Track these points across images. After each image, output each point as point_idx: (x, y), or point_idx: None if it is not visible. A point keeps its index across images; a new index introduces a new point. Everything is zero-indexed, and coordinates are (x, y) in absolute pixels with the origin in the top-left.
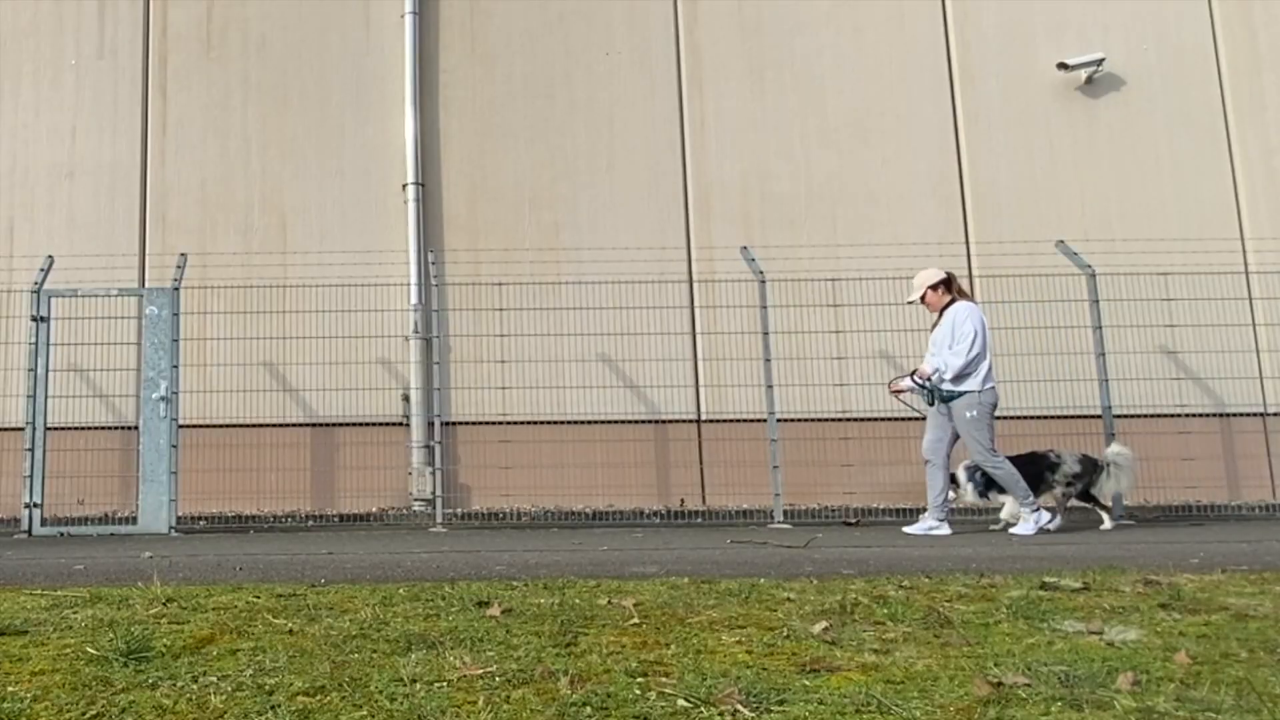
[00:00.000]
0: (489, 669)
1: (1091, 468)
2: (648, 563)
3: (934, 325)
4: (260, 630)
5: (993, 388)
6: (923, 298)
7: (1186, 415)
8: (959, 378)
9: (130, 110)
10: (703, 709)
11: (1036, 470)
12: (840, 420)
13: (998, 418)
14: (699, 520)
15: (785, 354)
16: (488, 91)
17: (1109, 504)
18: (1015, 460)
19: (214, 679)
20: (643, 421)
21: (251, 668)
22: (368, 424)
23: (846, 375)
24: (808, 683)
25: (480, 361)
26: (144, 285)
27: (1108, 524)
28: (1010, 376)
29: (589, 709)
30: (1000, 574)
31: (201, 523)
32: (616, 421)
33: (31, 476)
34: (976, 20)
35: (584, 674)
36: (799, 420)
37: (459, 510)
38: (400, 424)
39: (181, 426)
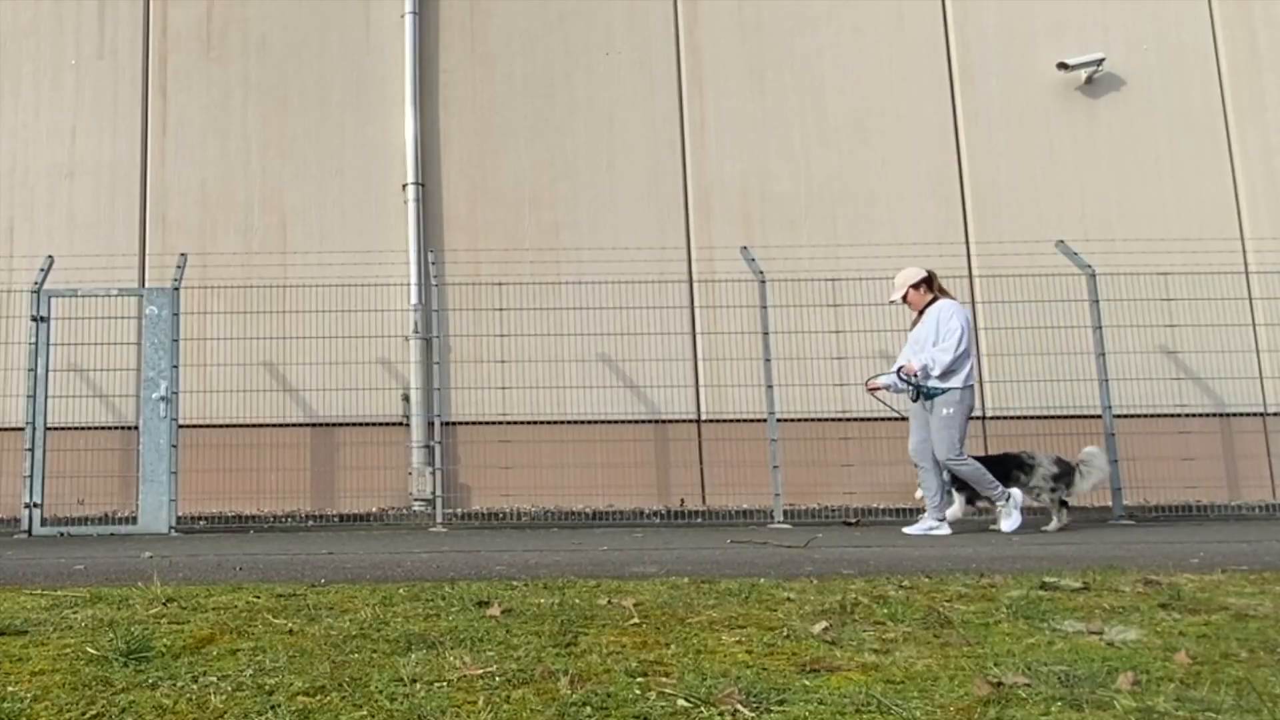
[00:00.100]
0: (489, 669)
1: (1067, 469)
2: (648, 563)
3: (913, 324)
4: (260, 630)
5: (972, 388)
6: (904, 297)
7: (1186, 415)
8: (945, 374)
9: (130, 110)
10: (703, 709)
11: (1005, 470)
12: (840, 420)
13: (999, 417)
14: (699, 520)
15: (785, 354)
16: (488, 91)
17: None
18: (987, 460)
19: (214, 679)
20: (643, 421)
21: (251, 668)
22: (368, 424)
23: (846, 375)
24: (808, 683)
25: (480, 361)
26: (144, 285)
27: (1053, 525)
28: (1010, 376)
29: (589, 709)
30: (1000, 574)
31: (201, 523)
32: (616, 421)
33: (31, 476)
34: (976, 20)
35: (584, 674)
36: (799, 420)
37: (459, 510)
38: (400, 424)
39: (181, 426)
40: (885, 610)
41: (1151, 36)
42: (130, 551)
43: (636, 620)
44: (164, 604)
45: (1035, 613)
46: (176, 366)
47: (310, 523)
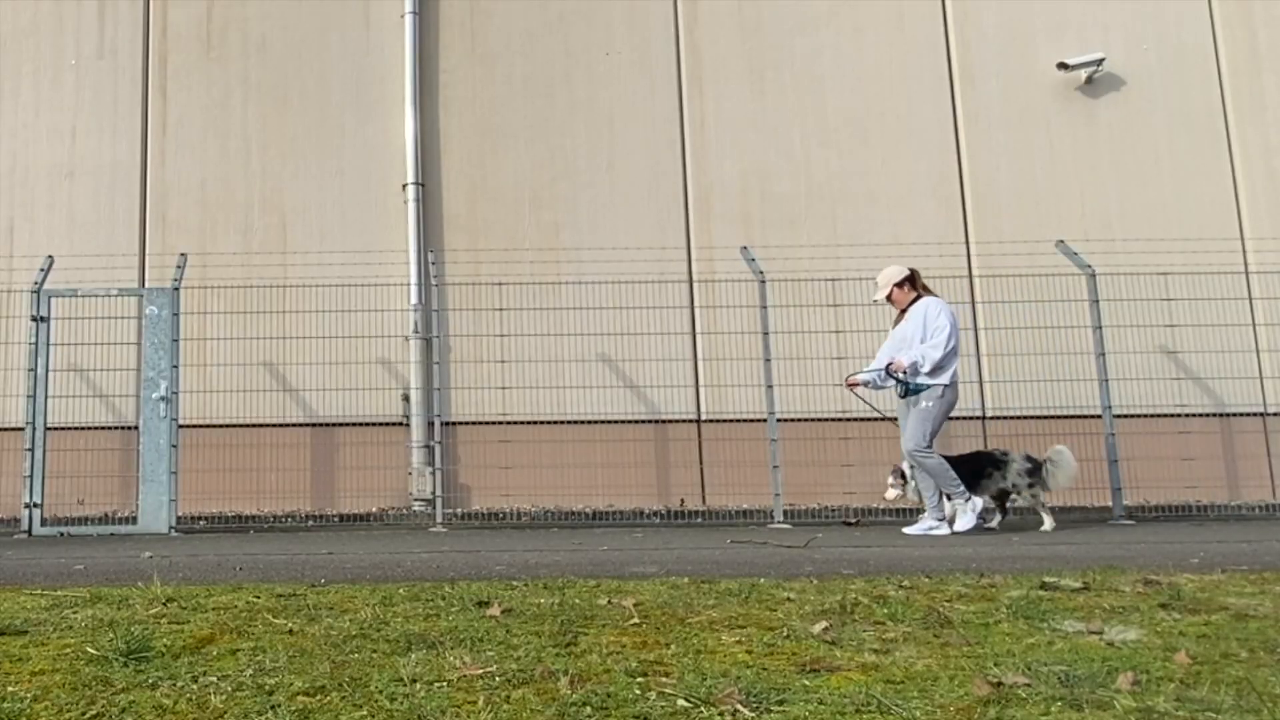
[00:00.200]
0: (489, 669)
1: (1037, 466)
2: (648, 563)
3: (896, 322)
4: (260, 630)
5: (956, 385)
6: (888, 296)
7: (1186, 415)
8: (933, 371)
9: (130, 110)
10: (703, 709)
11: (978, 468)
12: (840, 420)
13: (999, 417)
14: (699, 520)
15: (785, 354)
16: (488, 91)
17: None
18: (962, 459)
19: (214, 679)
20: (643, 421)
21: (251, 668)
22: (368, 424)
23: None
24: (808, 683)
25: (480, 361)
26: (144, 285)
27: (994, 522)
28: (1010, 376)
29: (589, 709)
30: (1000, 574)
31: (201, 523)
32: (616, 421)
33: (31, 476)
34: (976, 20)
35: (584, 674)
36: (799, 420)
37: (459, 510)
38: (400, 424)
39: (181, 426)
40: (885, 610)
41: (1151, 36)
42: (130, 551)
43: (636, 620)
44: (164, 604)
45: (1035, 613)
46: (176, 366)
47: (310, 523)
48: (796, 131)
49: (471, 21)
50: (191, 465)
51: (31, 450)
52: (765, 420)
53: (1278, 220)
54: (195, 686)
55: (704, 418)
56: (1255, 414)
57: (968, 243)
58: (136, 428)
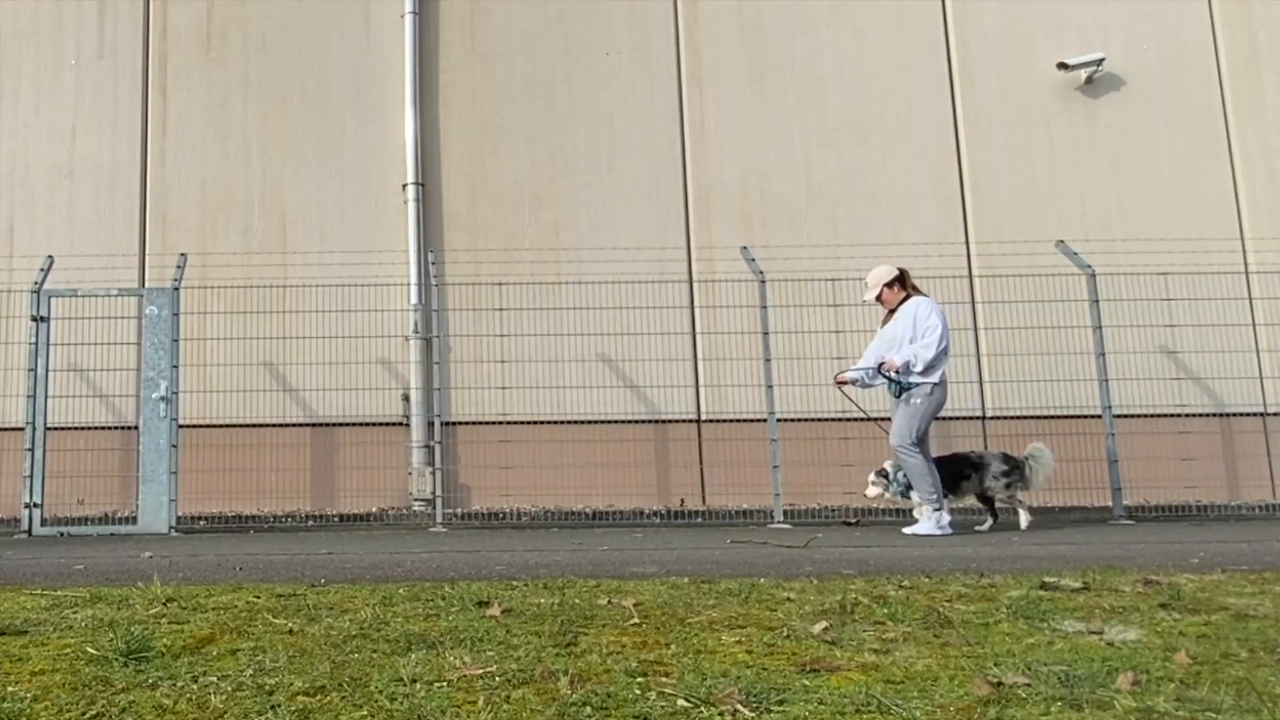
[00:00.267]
0: (489, 669)
1: (1016, 464)
2: (648, 563)
3: (884, 322)
4: (260, 630)
5: (945, 384)
6: (878, 296)
7: (1186, 415)
8: (924, 369)
9: (130, 110)
10: (703, 709)
11: (957, 470)
12: (840, 420)
13: (999, 417)
14: (699, 520)
15: (785, 354)
16: (488, 91)
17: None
18: (938, 461)
19: (214, 679)
20: (643, 421)
21: (251, 668)
22: (368, 424)
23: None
24: (808, 683)
25: (480, 361)
26: (144, 285)
27: (986, 526)
28: (1010, 376)
29: (589, 709)
30: (1000, 574)
31: (201, 523)
32: (616, 421)
33: (31, 476)
34: (976, 20)
35: (584, 674)
36: (799, 420)
37: (459, 510)
38: (400, 424)
39: (181, 426)
40: (885, 610)
41: (1151, 36)
42: (130, 551)
43: (636, 620)
44: (164, 604)
45: (1035, 613)
46: (176, 366)
47: (310, 523)
48: (796, 131)
49: (471, 21)
50: (191, 465)
51: (31, 450)
52: (765, 420)
53: (1278, 220)
54: (195, 686)
55: (704, 418)
56: (1255, 414)
57: (968, 243)
58: (136, 428)
